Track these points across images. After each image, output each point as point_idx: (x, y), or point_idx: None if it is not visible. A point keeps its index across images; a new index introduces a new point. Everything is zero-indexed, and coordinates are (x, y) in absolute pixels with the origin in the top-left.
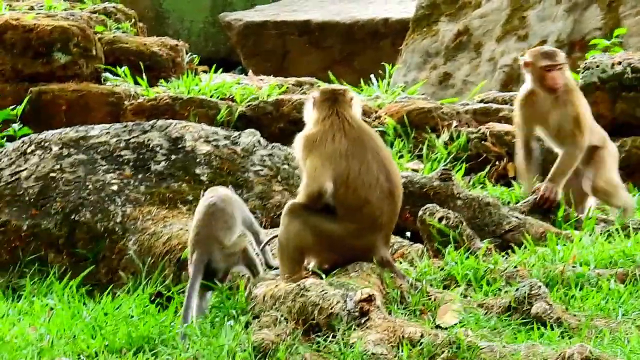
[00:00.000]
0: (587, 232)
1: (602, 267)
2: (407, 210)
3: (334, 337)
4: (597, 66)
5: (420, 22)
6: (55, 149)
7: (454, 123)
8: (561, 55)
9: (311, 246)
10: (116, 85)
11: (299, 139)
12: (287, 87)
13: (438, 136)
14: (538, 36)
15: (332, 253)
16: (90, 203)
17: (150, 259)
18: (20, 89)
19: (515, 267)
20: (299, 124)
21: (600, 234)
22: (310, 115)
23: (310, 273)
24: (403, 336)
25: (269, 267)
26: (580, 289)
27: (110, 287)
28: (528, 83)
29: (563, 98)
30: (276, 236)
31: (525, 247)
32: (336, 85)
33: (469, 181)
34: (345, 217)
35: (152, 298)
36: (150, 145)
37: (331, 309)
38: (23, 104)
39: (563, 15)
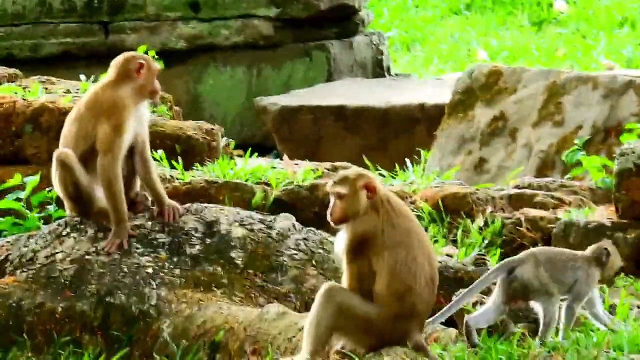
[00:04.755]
0: (621, 318)
1: (636, 352)
2: (441, 295)
3: None
4: (633, 152)
5: (455, 107)
6: (90, 231)
7: (489, 208)
8: None
9: (345, 329)
10: None
11: (358, 230)
12: (322, 172)
13: (472, 221)
14: (573, 122)
15: (366, 336)
16: (125, 286)
17: (184, 342)
18: None
19: (549, 352)
20: None
21: (635, 319)
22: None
23: (342, 355)
24: None
25: None
26: None
27: None
28: None
29: None
30: None
31: (559, 333)
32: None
33: None
34: (385, 303)
35: None
36: (185, 229)
37: None
38: None
39: (599, 101)
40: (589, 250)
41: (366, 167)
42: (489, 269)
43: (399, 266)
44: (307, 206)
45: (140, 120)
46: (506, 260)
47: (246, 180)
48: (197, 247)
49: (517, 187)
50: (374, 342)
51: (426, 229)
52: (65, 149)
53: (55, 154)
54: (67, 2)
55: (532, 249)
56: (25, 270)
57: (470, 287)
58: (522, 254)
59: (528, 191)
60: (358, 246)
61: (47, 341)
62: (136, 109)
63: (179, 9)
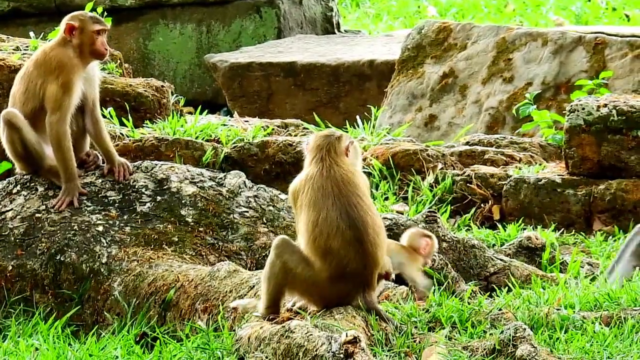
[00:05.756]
0: (572, 275)
1: (587, 310)
2: None
3: None
4: (583, 108)
5: (405, 64)
6: (40, 189)
7: (440, 165)
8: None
9: (292, 287)
10: None
11: (289, 188)
12: (273, 129)
13: (423, 178)
14: (523, 78)
15: (311, 295)
16: (75, 244)
17: (135, 300)
18: None
19: (500, 309)
20: (284, 166)
21: (585, 276)
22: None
23: (294, 313)
24: None
25: None
26: (565, 332)
27: (95, 328)
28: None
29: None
30: None
31: (510, 290)
32: (332, 131)
33: (454, 223)
34: (316, 265)
35: (137, 339)
36: (136, 187)
37: (316, 350)
38: None
39: (549, 57)
40: None
41: (316, 123)
42: (439, 226)
43: (311, 226)
44: (257, 163)
45: (90, 80)
46: (633, 232)
47: (196, 138)
48: (148, 205)
49: (467, 144)
50: (319, 301)
51: (377, 186)
52: (12, 109)
53: (2, 115)
54: None
55: None
56: None
57: (620, 254)
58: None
59: (478, 148)
60: (292, 202)
61: None
62: (84, 69)
63: None
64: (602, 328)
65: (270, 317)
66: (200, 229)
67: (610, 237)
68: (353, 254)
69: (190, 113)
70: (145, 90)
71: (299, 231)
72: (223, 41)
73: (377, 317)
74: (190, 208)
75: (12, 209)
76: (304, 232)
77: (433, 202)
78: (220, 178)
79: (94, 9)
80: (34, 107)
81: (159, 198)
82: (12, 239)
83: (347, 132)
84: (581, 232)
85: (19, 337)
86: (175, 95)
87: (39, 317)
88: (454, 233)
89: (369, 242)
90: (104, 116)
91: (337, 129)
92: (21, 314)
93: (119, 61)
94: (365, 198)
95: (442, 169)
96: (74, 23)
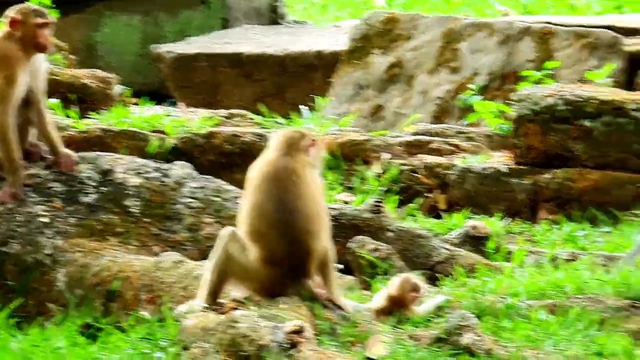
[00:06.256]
0: (517, 264)
1: (533, 299)
2: (339, 243)
3: None
4: (529, 98)
5: (352, 54)
6: None
7: (386, 155)
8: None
9: (234, 275)
10: None
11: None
12: (219, 120)
13: (369, 168)
14: (470, 68)
15: (251, 283)
16: (20, 235)
17: (79, 290)
18: None
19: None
20: (230, 156)
21: (531, 265)
22: None
23: (239, 303)
24: None
25: None
26: (510, 320)
27: (39, 319)
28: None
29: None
30: None
31: (456, 279)
32: (299, 129)
33: (400, 213)
34: (252, 251)
35: (81, 330)
36: (81, 178)
37: (261, 340)
38: None
39: (495, 47)
40: None
41: (263, 114)
42: (385, 215)
43: (248, 211)
44: (203, 154)
45: (35, 73)
46: None
47: (142, 129)
48: (93, 195)
49: (413, 133)
50: (258, 288)
51: (323, 177)
52: None
53: None
54: None
55: None
56: None
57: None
58: None
59: (425, 138)
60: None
61: None
62: (29, 62)
63: None
64: (547, 316)
65: (215, 307)
66: (145, 219)
67: (556, 226)
68: (280, 240)
69: (136, 104)
70: (90, 82)
71: (240, 216)
72: (169, 32)
73: (322, 306)
74: (135, 199)
75: None
76: (243, 217)
77: (379, 192)
78: (166, 169)
79: (39, 2)
80: None
81: (103, 189)
82: None
83: (292, 122)
84: (527, 221)
85: None
86: (121, 86)
87: None
88: (400, 223)
89: (298, 228)
90: (50, 107)
91: (302, 128)
92: None
93: (65, 52)
94: (307, 188)
95: (388, 159)
96: (16, 17)
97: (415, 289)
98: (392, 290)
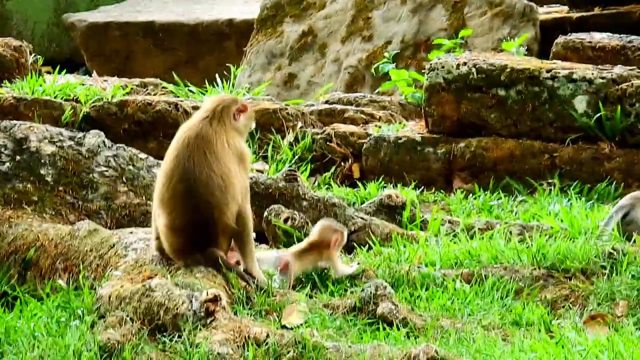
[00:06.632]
0: (432, 233)
1: (448, 268)
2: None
3: (179, 337)
4: (442, 67)
5: (264, 23)
6: None
7: (299, 124)
8: None
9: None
10: None
11: None
12: (132, 88)
13: (283, 137)
14: (383, 37)
15: (168, 247)
16: None
17: None
18: None
19: (364, 270)
20: (143, 125)
21: (446, 234)
22: None
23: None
24: (249, 336)
25: None
26: (426, 289)
27: None
28: None
29: None
30: None
31: (371, 248)
32: (229, 95)
33: (315, 182)
34: (162, 216)
35: None
36: None
37: (177, 309)
38: None
39: (408, 15)
40: None
41: (176, 83)
42: (299, 184)
43: (159, 177)
44: (116, 123)
45: None
46: (617, 206)
47: (55, 97)
48: (7, 164)
49: (327, 102)
50: (172, 253)
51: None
52: None
53: None
54: None
55: (632, 194)
56: None
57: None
58: (627, 199)
59: (338, 106)
60: None
61: None
62: None
63: None
64: (462, 285)
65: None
66: (60, 188)
67: (471, 195)
68: (180, 208)
69: (48, 72)
70: (3, 50)
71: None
72: (81, 0)
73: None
74: (49, 167)
75: None
76: (156, 182)
77: (293, 161)
78: (80, 137)
79: None
80: None
81: (18, 157)
82: None
83: (206, 91)
84: (441, 190)
85: None
86: (33, 54)
87: None
88: (314, 191)
89: (200, 198)
90: None
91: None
92: None
93: None
94: (217, 158)
95: (301, 127)
96: None
97: (336, 230)
98: (312, 237)
